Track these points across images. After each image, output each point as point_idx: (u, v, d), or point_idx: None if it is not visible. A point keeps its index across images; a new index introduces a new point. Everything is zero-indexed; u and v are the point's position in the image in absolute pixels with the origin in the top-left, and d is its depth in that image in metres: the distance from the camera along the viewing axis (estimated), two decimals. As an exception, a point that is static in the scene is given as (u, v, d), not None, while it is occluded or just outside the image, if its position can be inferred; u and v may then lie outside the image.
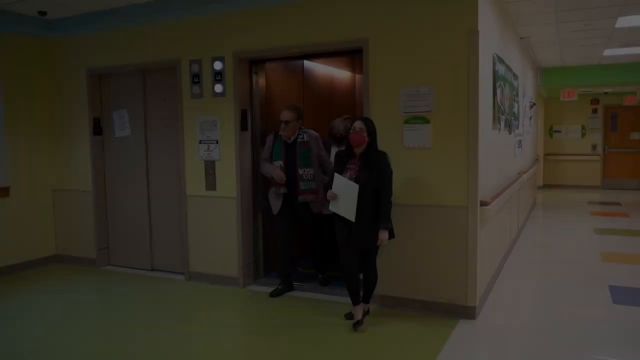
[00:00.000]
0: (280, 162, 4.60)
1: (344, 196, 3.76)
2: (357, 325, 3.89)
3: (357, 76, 7.11)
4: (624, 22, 6.15)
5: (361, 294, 4.00)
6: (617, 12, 5.69)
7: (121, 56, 5.57)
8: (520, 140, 7.40)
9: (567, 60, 9.40)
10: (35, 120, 6.01)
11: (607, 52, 8.40)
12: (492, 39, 4.75)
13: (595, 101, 13.52)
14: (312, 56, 5.37)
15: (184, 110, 5.24)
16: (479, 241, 4.12)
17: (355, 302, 3.94)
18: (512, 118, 6.27)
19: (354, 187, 3.71)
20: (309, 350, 3.66)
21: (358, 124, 3.79)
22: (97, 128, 5.91)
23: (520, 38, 7.15)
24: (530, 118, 9.26)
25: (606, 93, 13.05)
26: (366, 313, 4.06)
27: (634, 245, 6.85)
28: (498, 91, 4.97)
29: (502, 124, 5.40)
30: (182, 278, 5.44)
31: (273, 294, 4.78)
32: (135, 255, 5.87)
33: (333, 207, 3.85)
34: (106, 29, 5.56)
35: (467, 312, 4.13)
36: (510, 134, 6.17)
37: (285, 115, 4.57)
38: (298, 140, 4.62)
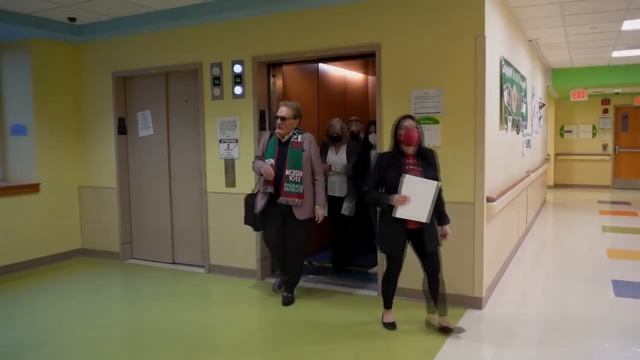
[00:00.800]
0: (272, 161, 4.43)
1: (418, 197, 3.60)
2: (392, 326, 3.95)
3: (370, 77, 7.36)
4: (629, 25, 6.32)
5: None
6: (622, 16, 5.87)
7: (145, 60, 5.87)
8: (528, 140, 7.58)
9: (576, 62, 9.55)
10: (63, 121, 6.33)
11: (616, 54, 8.55)
12: (499, 43, 4.96)
13: (605, 101, 13.62)
14: (327, 60, 5.61)
15: (205, 110, 5.52)
16: (485, 235, 4.34)
17: (389, 306, 4.00)
18: (520, 118, 6.46)
19: (433, 185, 3.62)
20: (325, 333, 3.93)
21: (410, 122, 3.68)
22: (122, 128, 6.21)
23: (529, 40, 7.34)
24: (540, 118, 9.43)
25: (617, 93, 13.14)
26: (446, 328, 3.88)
27: (640, 242, 7.03)
28: (505, 93, 5.17)
29: (510, 124, 5.60)
30: (202, 271, 5.72)
31: (284, 302, 4.61)
32: (158, 249, 6.16)
33: (402, 213, 3.63)
34: (131, 34, 5.86)
35: (474, 303, 4.36)
36: (518, 134, 6.37)
37: (283, 111, 4.42)
38: (291, 140, 4.46)
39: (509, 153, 5.79)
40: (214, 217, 5.58)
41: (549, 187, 12.77)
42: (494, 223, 4.77)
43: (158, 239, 6.15)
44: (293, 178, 4.38)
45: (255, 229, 4.81)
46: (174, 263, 6.07)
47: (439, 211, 3.78)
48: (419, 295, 4.64)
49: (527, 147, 7.39)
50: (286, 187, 4.39)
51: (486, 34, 4.25)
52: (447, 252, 4.42)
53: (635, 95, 12.68)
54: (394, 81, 4.57)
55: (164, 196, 6.07)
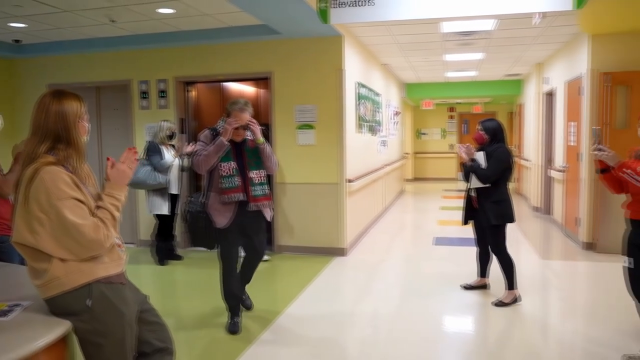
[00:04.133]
0: (234, 164, 3.82)
1: None
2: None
3: (260, 91, 9.15)
4: (449, 57, 8.77)
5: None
6: (441, 52, 8.26)
7: (79, 75, 7.15)
8: (384, 141, 9.83)
9: (422, 79, 12.13)
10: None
11: (448, 74, 11.18)
12: (355, 72, 7.02)
13: (451, 109, 16.71)
14: (232, 80, 7.33)
15: (135, 118, 6.97)
16: (347, 205, 6.36)
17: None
18: (375, 124, 8.64)
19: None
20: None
21: (478, 127, 4.83)
22: (55, 131, 7.38)
23: (383, 64, 9.59)
24: (396, 123, 11.84)
25: (459, 103, 16.22)
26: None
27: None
28: (361, 107, 7.25)
29: (366, 129, 7.71)
30: (133, 246, 7.14)
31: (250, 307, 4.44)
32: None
33: None
34: (67, 54, 7.09)
35: (340, 252, 6.35)
36: (373, 135, 8.54)
37: (248, 118, 3.83)
38: (246, 138, 3.92)
39: (366, 150, 7.91)
40: (142, 202, 7.02)
41: (408, 180, 15.46)
42: (354, 197, 6.82)
43: (90, 223, 7.41)
44: (258, 180, 3.90)
45: (210, 248, 3.99)
46: (104, 242, 7.38)
47: None
48: (299, 249, 6.53)
49: (382, 146, 9.63)
50: (253, 191, 3.87)
51: (345, 67, 6.26)
52: (322, 218, 6.38)
53: (473, 104, 15.81)
54: (283, 98, 6.42)
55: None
